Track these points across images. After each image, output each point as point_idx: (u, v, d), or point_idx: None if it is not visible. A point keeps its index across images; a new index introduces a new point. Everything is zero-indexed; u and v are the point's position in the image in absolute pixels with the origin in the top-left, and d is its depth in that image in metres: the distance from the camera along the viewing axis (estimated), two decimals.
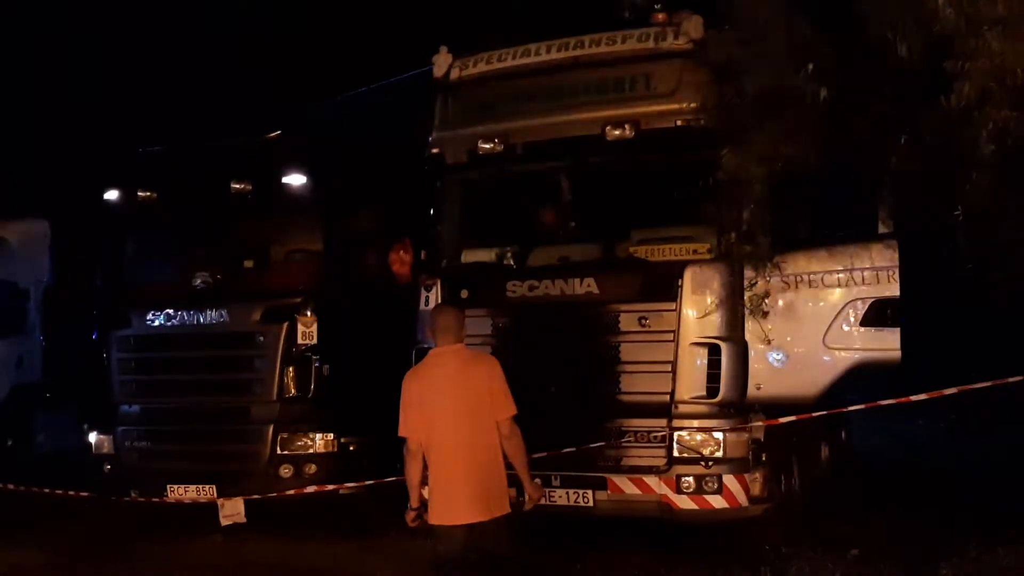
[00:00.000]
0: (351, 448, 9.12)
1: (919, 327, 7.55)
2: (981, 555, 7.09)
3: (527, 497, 5.32)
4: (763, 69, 6.54)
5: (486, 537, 4.92)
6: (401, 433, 5.16)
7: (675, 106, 7.16)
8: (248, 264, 9.44)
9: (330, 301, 9.02)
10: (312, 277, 9.09)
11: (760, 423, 7.06)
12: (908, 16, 4.88)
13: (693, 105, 7.08)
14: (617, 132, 7.30)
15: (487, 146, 7.70)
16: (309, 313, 8.97)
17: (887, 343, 7.19)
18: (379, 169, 9.06)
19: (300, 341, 8.98)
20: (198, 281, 9.42)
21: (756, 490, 7.29)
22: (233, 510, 8.77)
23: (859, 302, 7.18)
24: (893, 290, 7.18)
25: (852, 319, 7.19)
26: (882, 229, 7.35)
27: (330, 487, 8.73)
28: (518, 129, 7.69)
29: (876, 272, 7.18)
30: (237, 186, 9.14)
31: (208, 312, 9.28)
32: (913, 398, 7.94)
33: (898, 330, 7.21)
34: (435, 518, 5.03)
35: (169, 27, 11.30)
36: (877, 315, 7.18)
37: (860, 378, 7.79)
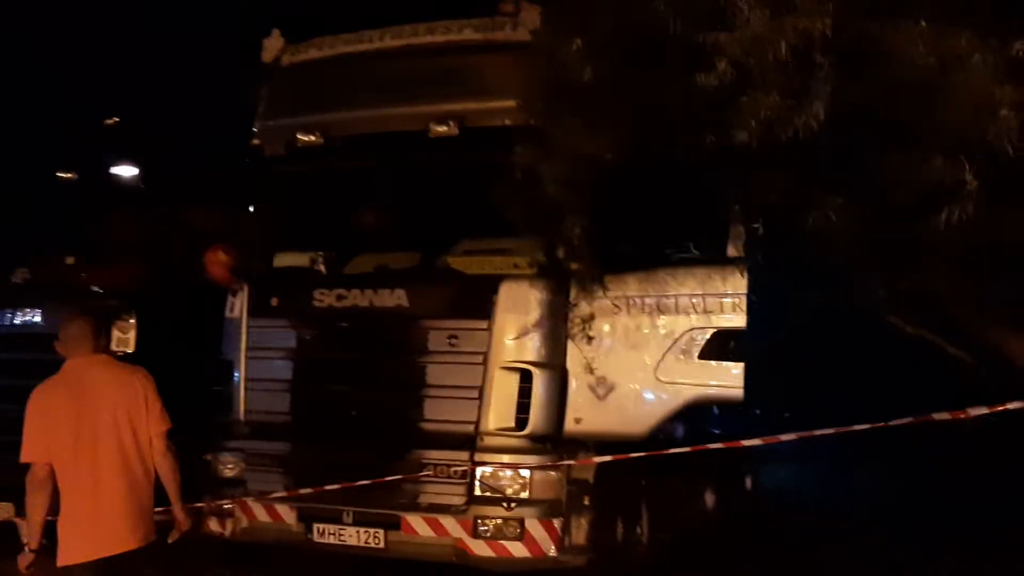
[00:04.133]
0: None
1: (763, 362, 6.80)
2: None
3: (176, 524, 4.63)
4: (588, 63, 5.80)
5: (132, 565, 4.30)
6: (25, 459, 4.37)
7: (504, 103, 6.39)
8: (69, 260, 8.62)
9: (152, 305, 8.21)
10: (134, 278, 8.28)
11: (570, 463, 6.24)
12: None
13: (523, 103, 6.32)
14: (441, 129, 6.57)
15: (305, 138, 6.95)
16: (128, 318, 8.15)
17: (727, 378, 6.42)
18: (214, 164, 8.29)
19: (115, 347, 8.13)
20: (17, 277, 8.61)
21: (579, 538, 6.47)
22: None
23: (698, 331, 6.41)
24: (737, 320, 6.42)
25: (689, 350, 6.41)
26: (731, 251, 6.60)
27: None
28: (339, 121, 6.94)
29: (720, 299, 6.42)
30: (64, 176, 8.36)
31: (23, 311, 8.45)
32: (783, 437, 7.23)
33: (741, 364, 6.45)
34: (70, 557, 4.24)
35: None
36: (718, 347, 6.41)
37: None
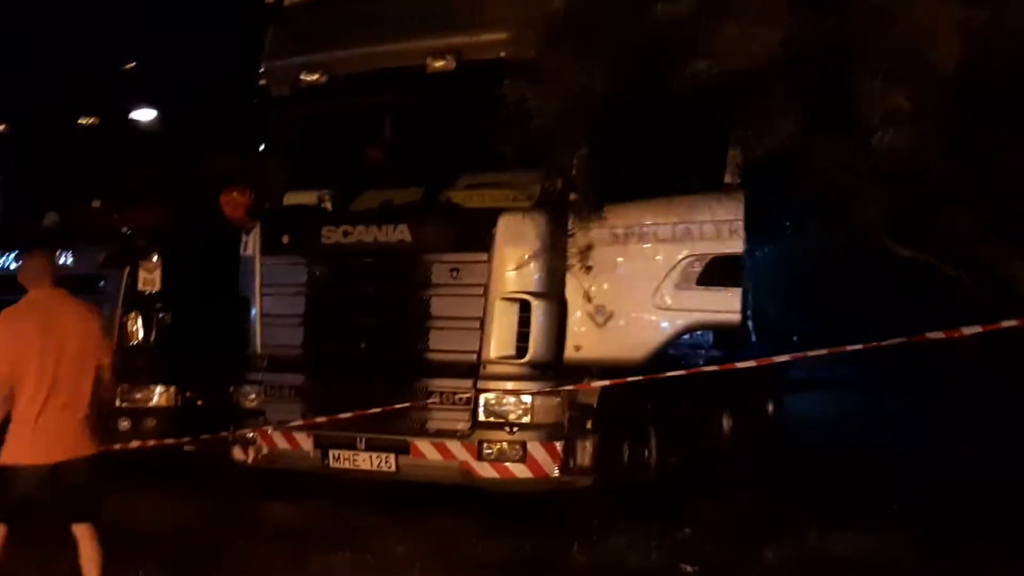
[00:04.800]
0: (196, 403, 8.63)
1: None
2: (821, 539, 6.52)
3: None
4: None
5: (74, 472, 4.89)
6: None
7: (501, 36, 6.46)
8: (96, 204, 8.92)
9: (177, 246, 8.51)
10: (159, 219, 8.57)
11: (570, 387, 6.43)
12: None
13: (520, 35, 6.36)
14: (438, 64, 6.66)
15: (309, 78, 7.10)
16: (153, 258, 8.46)
17: (725, 304, 6.53)
18: (231, 106, 8.46)
19: (141, 287, 8.48)
20: (47, 221, 8.96)
21: (583, 460, 6.69)
22: None
23: (695, 259, 6.51)
24: (734, 246, 6.50)
25: (687, 277, 6.52)
26: (728, 179, 6.64)
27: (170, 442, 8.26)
28: (341, 59, 7.06)
29: (717, 226, 6.49)
30: (85, 122, 8.62)
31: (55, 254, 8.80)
32: (777, 359, 7.38)
33: (739, 290, 6.54)
34: (14, 458, 4.83)
35: None
36: (715, 273, 6.51)
37: None
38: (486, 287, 6.45)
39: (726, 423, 9.84)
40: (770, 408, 11.54)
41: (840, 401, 13.32)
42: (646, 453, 7.54)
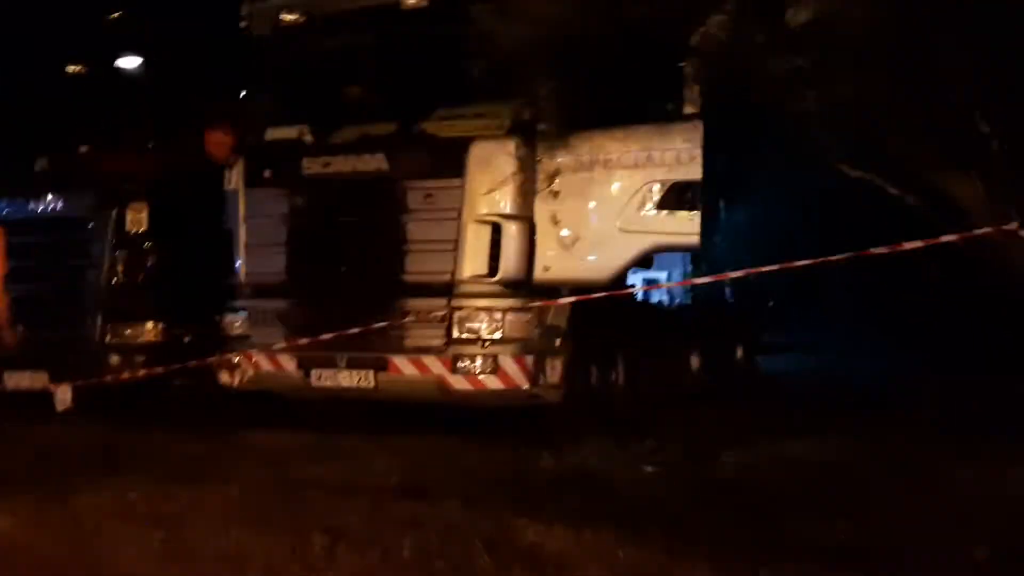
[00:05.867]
0: (184, 339, 8.96)
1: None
2: (773, 445, 6.97)
3: None
4: None
5: None
6: None
7: None
8: (84, 149, 9.21)
9: (163, 187, 8.82)
10: (146, 162, 8.87)
11: (538, 303, 6.81)
12: None
13: None
14: (412, 0, 6.98)
15: (289, 17, 7.45)
16: (140, 199, 8.77)
17: (685, 226, 6.91)
18: (210, 50, 8.77)
19: (129, 228, 8.79)
20: (37, 166, 9.25)
21: (553, 377, 7.09)
22: (64, 396, 8.68)
23: (657, 184, 6.89)
24: (694, 173, 6.87)
25: (648, 201, 6.89)
26: (688, 109, 7.01)
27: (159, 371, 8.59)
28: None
29: (677, 153, 6.86)
30: (73, 69, 8.91)
31: (44, 198, 9.11)
32: (731, 274, 7.79)
33: (697, 213, 6.92)
34: None
35: None
36: (676, 198, 6.89)
37: None
38: (459, 211, 6.82)
39: (694, 361, 10.32)
40: (739, 353, 12.04)
41: (814, 361, 13.93)
42: (613, 375, 7.97)
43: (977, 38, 5.39)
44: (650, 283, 9.42)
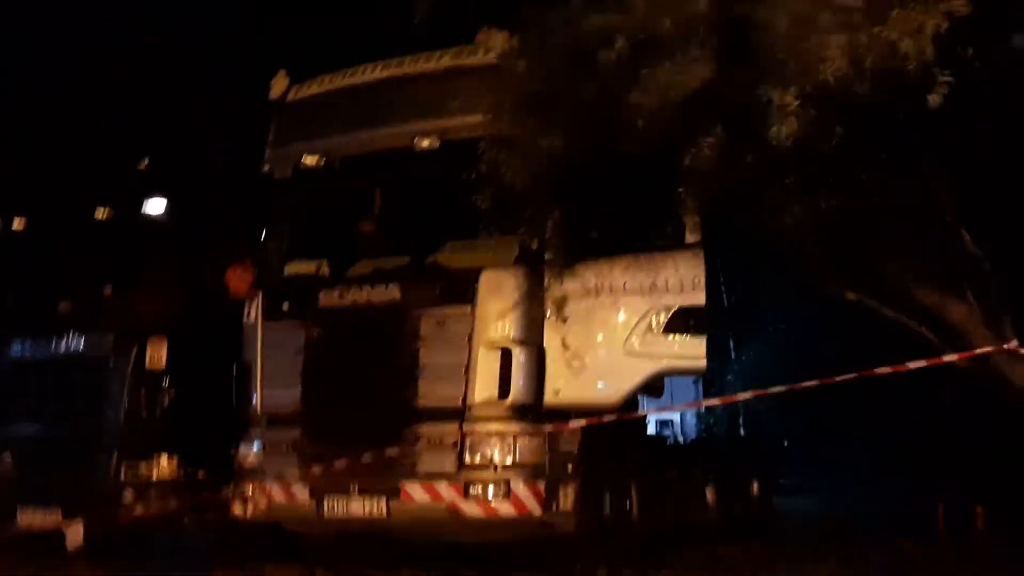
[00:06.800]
0: (198, 476, 9.03)
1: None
2: None
3: None
4: (548, 75, 6.62)
5: None
6: None
7: (478, 117, 7.23)
8: (107, 291, 9.55)
9: (182, 325, 9.09)
10: (166, 302, 9.18)
11: (550, 427, 6.91)
12: None
13: (493, 117, 7.15)
14: (425, 143, 7.42)
15: (309, 161, 7.86)
16: (159, 336, 9.03)
17: (691, 350, 7.08)
18: (226, 190, 9.24)
19: (149, 366, 9.01)
20: (61, 308, 9.57)
21: (566, 505, 7.10)
22: (74, 535, 8.67)
23: (662, 309, 7.10)
24: (698, 298, 7.10)
25: (655, 326, 7.09)
26: (689, 238, 7.31)
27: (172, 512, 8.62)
28: (337, 144, 7.85)
29: (680, 279, 7.11)
30: (100, 215, 9.36)
31: (67, 338, 9.38)
32: (739, 397, 7.89)
33: (703, 338, 7.10)
34: None
35: None
36: (681, 323, 7.09)
37: None
38: (470, 337, 7.01)
39: (710, 495, 10.24)
40: (755, 488, 11.93)
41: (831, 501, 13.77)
42: (628, 504, 7.94)
43: (961, 157, 5.70)
44: (664, 423, 9.53)
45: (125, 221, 9.38)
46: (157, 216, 9.33)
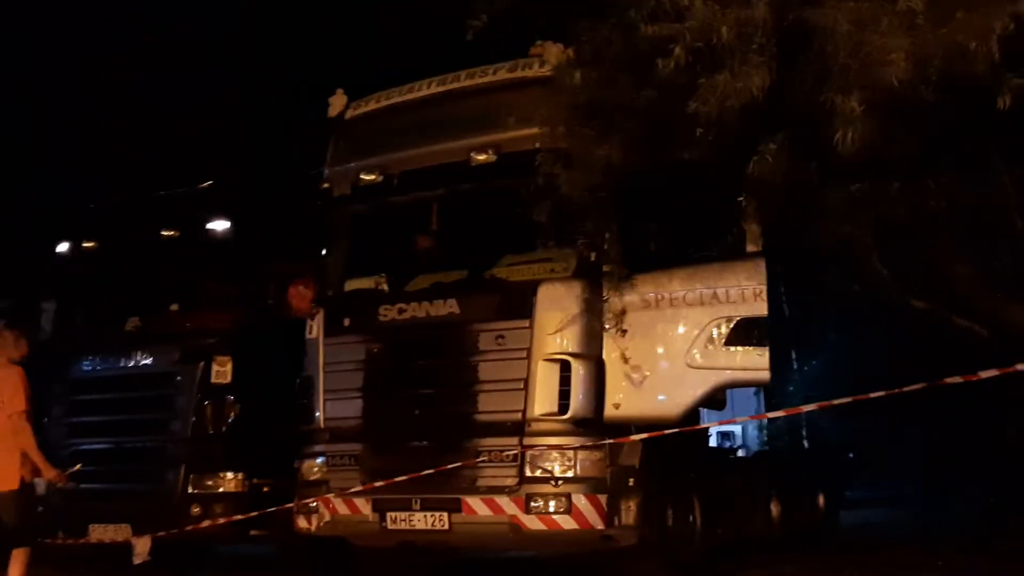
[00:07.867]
0: (263, 489, 9.13)
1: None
2: None
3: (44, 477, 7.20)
4: (604, 86, 6.61)
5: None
6: None
7: (534, 130, 7.24)
8: (173, 307, 9.74)
9: (246, 341, 9.23)
10: (231, 318, 9.33)
11: (610, 441, 6.85)
12: None
13: (549, 128, 7.15)
14: (481, 157, 7.45)
15: (367, 177, 7.95)
16: (224, 353, 9.18)
17: (754, 362, 6.97)
18: (288, 208, 9.37)
19: (214, 380, 9.16)
20: (129, 325, 9.79)
21: (628, 519, 7.03)
22: (142, 549, 8.84)
23: (723, 321, 7.01)
24: (759, 309, 6.99)
25: (716, 338, 7.00)
26: (750, 247, 7.22)
27: (237, 525, 8.73)
28: (395, 160, 7.92)
29: (741, 290, 7.02)
30: (167, 234, 9.57)
31: (136, 355, 9.59)
32: (804, 408, 7.77)
33: (766, 349, 6.99)
34: None
35: None
36: (743, 334, 6.99)
37: None
38: (529, 351, 7.01)
39: (774, 508, 10.06)
40: (820, 501, 11.69)
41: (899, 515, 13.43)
42: (690, 518, 7.84)
43: None
44: (725, 435, 9.40)
45: (190, 240, 9.54)
46: (221, 235, 9.47)
